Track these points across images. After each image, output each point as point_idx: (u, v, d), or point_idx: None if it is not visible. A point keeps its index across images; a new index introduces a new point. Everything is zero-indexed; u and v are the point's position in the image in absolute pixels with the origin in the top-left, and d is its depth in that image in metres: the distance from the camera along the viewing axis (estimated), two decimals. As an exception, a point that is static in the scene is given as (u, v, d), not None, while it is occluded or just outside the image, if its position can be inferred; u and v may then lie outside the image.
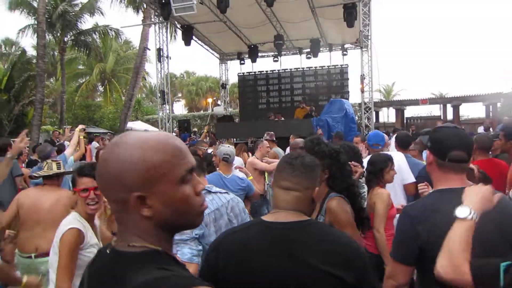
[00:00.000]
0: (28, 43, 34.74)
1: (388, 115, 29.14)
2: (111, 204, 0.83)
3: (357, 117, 13.08)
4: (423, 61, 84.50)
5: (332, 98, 12.84)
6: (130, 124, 19.96)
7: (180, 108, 45.12)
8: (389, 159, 2.97)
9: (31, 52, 22.12)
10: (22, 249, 3.04)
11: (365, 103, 11.27)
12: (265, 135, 6.35)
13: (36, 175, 3.30)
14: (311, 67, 16.08)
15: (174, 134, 13.10)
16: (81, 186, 2.15)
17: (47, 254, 2.73)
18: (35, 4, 18.50)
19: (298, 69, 16.23)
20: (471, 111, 32.35)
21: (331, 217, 1.98)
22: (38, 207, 3.11)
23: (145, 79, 32.33)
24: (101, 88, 31.24)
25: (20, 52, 21.35)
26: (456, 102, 18.61)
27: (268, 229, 1.32)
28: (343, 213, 1.96)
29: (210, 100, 32.43)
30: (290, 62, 17.13)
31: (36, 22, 17.17)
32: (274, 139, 6.59)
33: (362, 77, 11.28)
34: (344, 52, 16.15)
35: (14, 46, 29.61)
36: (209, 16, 12.73)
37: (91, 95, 30.70)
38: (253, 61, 16.28)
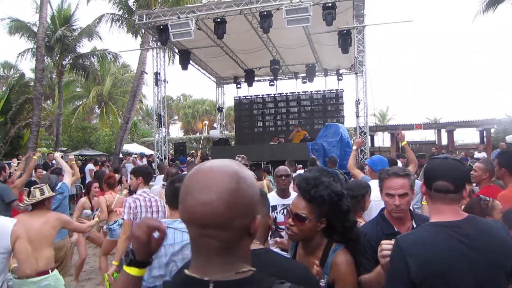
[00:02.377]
0: (27, 66, 35.17)
1: (383, 140, 29.40)
2: (229, 234, 0.82)
3: (352, 141, 13.16)
4: (417, 86, 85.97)
5: (328, 123, 12.96)
6: (126, 147, 19.93)
7: (176, 131, 45.29)
8: (368, 186, 2.92)
9: (30, 75, 22.38)
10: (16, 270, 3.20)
11: (360, 127, 11.35)
12: (236, 157, 6.24)
13: (22, 205, 3.68)
14: (307, 92, 16.31)
15: (169, 156, 13.09)
16: None
17: (39, 274, 3.17)
18: (34, 28, 18.81)
19: (294, 93, 16.44)
20: (465, 136, 32.65)
21: (336, 275, 1.72)
22: (28, 229, 3.22)
23: (142, 102, 32.54)
24: (97, 111, 31.35)
25: (18, 75, 21.51)
26: (451, 127, 18.85)
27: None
28: (351, 274, 1.71)
29: (206, 122, 32.61)
30: (286, 86, 17.42)
31: (35, 46, 17.40)
32: (246, 163, 6.56)
33: (357, 102, 11.41)
34: (339, 77, 16.41)
35: (12, 69, 29.87)
36: (206, 41, 12.97)
37: (87, 118, 30.77)
38: (250, 85, 16.48)
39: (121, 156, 16.49)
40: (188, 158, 13.50)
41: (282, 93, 16.60)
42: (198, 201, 0.81)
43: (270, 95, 16.62)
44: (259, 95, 16.67)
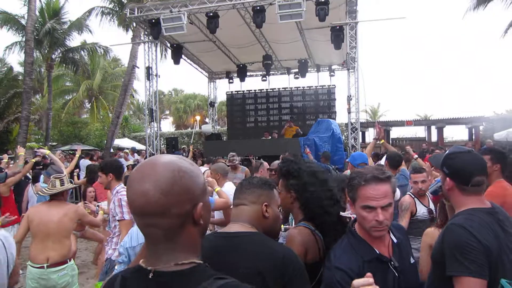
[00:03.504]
0: (15, 60, 34.56)
1: (374, 136, 29.62)
2: (169, 221, 0.84)
3: (343, 137, 13.25)
4: (408, 83, 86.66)
5: (320, 118, 13.02)
6: (117, 141, 19.77)
7: (167, 126, 45.02)
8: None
9: (18, 68, 21.99)
10: (34, 260, 3.34)
11: (351, 123, 11.44)
12: (229, 155, 6.36)
13: (42, 193, 3.61)
14: (299, 87, 16.35)
15: (161, 151, 13.02)
16: None
17: (58, 264, 3.34)
18: (23, 21, 18.45)
19: (286, 89, 16.47)
20: (455, 133, 33.06)
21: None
22: (47, 221, 3.38)
23: (133, 96, 32.25)
24: (88, 105, 31.00)
25: (6, 69, 21.14)
26: (441, 124, 19.08)
27: (216, 238, 1.45)
28: (295, 246, 1.68)
29: (198, 117, 32.48)
30: (278, 81, 17.43)
31: (23, 39, 17.10)
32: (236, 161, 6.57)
33: (349, 98, 11.49)
34: (332, 73, 16.48)
35: (0, 63, 29.34)
36: (199, 35, 12.90)
37: (77, 112, 30.41)
38: (242, 80, 16.45)
39: (112, 151, 16.36)
40: (182, 154, 13.46)
41: (275, 89, 16.62)
42: (137, 192, 0.84)
43: (262, 90, 16.63)
44: (251, 90, 16.66)
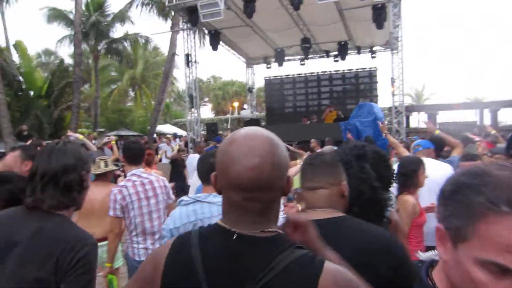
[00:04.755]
0: (65, 52, 36.54)
1: (418, 120, 28.39)
2: (272, 194, 0.89)
3: (386, 122, 12.82)
4: (455, 63, 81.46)
5: (361, 102, 12.66)
6: (159, 127, 20.47)
7: (207, 112, 45.76)
8: (421, 161, 2.83)
9: (68, 60, 23.24)
10: None
11: (395, 107, 10.99)
12: None
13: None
14: (339, 71, 15.92)
15: (202, 136, 13.34)
16: None
17: (101, 239, 3.28)
18: (71, 16, 19.45)
19: (325, 73, 16.10)
20: (510, 116, 30.78)
21: None
22: (92, 200, 3.44)
23: (174, 84, 33.05)
24: (131, 93, 32.24)
25: (58, 61, 22.44)
26: (495, 107, 17.86)
27: None
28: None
29: (236, 104, 32.76)
30: (317, 65, 17.03)
31: (72, 33, 18.02)
32: None
33: (393, 80, 11.02)
34: (373, 55, 15.88)
35: (52, 56, 31.17)
36: (236, 21, 12.88)
37: (122, 100, 31.73)
38: (280, 65, 16.30)
39: (155, 136, 16.99)
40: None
41: (313, 73, 16.30)
42: (245, 166, 0.85)
43: (300, 75, 16.38)
44: (289, 75, 16.47)
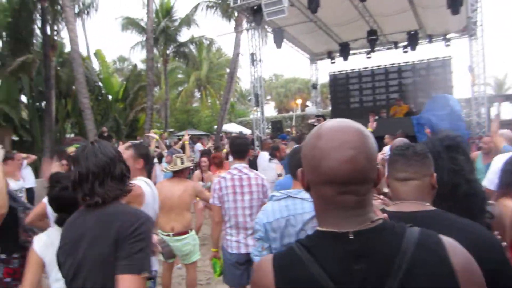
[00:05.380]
0: (137, 58, 39.43)
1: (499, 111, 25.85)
2: (367, 186, 0.87)
3: (463, 114, 11.87)
4: (544, 46, 72.54)
5: (434, 94, 11.85)
6: (225, 126, 21.09)
7: (270, 110, 46.13)
8: None
9: (140, 65, 24.96)
10: (163, 229, 3.83)
11: (475, 98, 10.12)
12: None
13: (166, 170, 4.04)
14: (408, 62, 15.05)
15: (268, 134, 13.49)
16: None
17: (181, 233, 3.78)
18: (142, 23, 20.85)
19: (394, 65, 15.32)
20: None
21: None
22: (171, 196, 3.75)
23: (237, 83, 33.84)
24: (197, 94, 33.62)
25: (131, 66, 24.20)
26: None
27: (392, 219, 1.30)
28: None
29: (299, 101, 32.58)
30: (385, 57, 16.31)
31: (144, 39, 19.30)
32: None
33: (471, 69, 10.16)
34: (447, 43, 14.78)
35: (126, 62, 33.71)
36: (299, 17, 12.80)
37: (189, 101, 33.23)
38: (345, 59, 15.85)
39: (221, 135, 17.55)
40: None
41: (381, 66, 15.61)
42: (340, 160, 0.83)
43: (367, 68, 15.77)
44: (355, 69, 15.95)
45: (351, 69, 16.02)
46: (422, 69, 14.63)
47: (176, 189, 3.80)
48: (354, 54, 16.38)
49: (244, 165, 3.23)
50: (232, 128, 21.88)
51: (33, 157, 7.01)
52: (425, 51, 15.33)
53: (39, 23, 15.17)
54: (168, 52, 22.16)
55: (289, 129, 16.42)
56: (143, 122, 17.93)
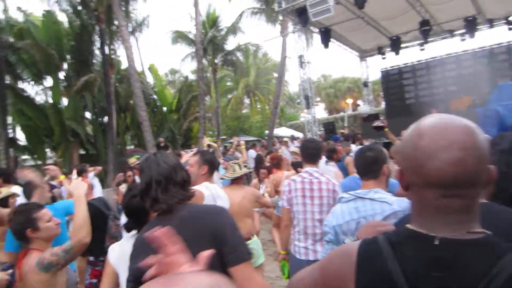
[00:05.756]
0: (187, 69, 41.15)
1: None
2: (476, 190, 0.81)
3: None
4: None
5: (500, 83, 10.94)
6: (276, 131, 21.15)
7: (320, 112, 45.56)
8: None
9: (190, 76, 25.93)
10: None
11: (548, 83, 9.21)
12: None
13: (224, 177, 4.06)
14: (467, 50, 14.08)
15: (321, 136, 13.30)
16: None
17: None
18: (190, 35, 21.69)
19: (451, 55, 14.41)
20: None
21: None
22: (231, 204, 3.67)
23: (285, 87, 33.86)
24: (247, 100, 34.13)
25: (182, 78, 25.22)
26: None
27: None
28: None
29: (349, 100, 31.80)
30: (440, 48, 15.45)
31: (193, 51, 20.03)
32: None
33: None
34: (510, 26, 13.62)
35: (176, 74, 35.21)
36: (346, 15, 12.53)
37: (239, 108, 33.81)
38: (396, 53, 15.26)
39: (273, 139, 17.63)
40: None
41: (436, 57, 14.76)
42: (447, 162, 0.77)
43: (421, 61, 14.99)
44: (408, 63, 15.25)
45: (403, 64, 15.34)
46: (484, 56, 13.60)
47: (235, 196, 3.76)
48: (405, 47, 15.71)
49: (315, 169, 3.13)
50: (283, 132, 21.86)
51: (99, 168, 7.51)
52: (485, 38, 14.21)
53: (98, 44, 16.38)
54: (216, 61, 22.77)
55: (342, 130, 16.02)
56: (196, 131, 18.57)
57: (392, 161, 2.60)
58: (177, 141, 18.57)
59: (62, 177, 4.13)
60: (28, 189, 3.32)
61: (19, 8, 16.39)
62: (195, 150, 9.41)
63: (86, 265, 3.47)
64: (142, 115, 13.00)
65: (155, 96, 20.41)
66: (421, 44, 15.03)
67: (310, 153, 3.20)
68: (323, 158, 6.02)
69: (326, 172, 4.82)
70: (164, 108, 20.54)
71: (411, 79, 15.04)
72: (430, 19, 13.09)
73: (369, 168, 2.10)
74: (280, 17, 18.22)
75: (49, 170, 4.23)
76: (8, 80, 14.37)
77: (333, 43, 14.50)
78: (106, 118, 16.60)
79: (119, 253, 2.03)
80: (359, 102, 32.03)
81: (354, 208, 2.06)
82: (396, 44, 14.87)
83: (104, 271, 2.06)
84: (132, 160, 6.50)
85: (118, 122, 17.04)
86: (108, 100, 15.31)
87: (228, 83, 33.53)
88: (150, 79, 21.60)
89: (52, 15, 15.96)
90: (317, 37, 14.11)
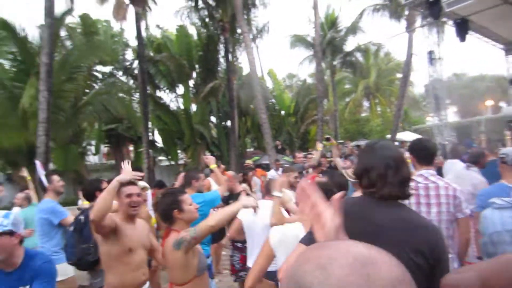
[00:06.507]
0: (304, 73, 41.61)
1: None
2: None
3: None
4: None
5: None
6: (398, 135, 19.68)
7: (449, 115, 40.98)
8: None
9: (308, 80, 26.02)
10: None
11: None
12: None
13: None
14: None
15: (452, 143, 11.77)
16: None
17: None
18: (308, 38, 21.75)
19: None
20: None
21: None
22: None
23: (410, 88, 31.36)
24: (366, 103, 32.65)
25: (300, 81, 25.50)
26: None
27: None
28: None
29: (489, 102, 27.62)
30: None
31: (311, 54, 20.03)
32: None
33: None
34: None
35: (294, 78, 35.83)
36: (489, 1, 10.82)
37: (358, 111, 32.55)
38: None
39: (397, 143, 16.41)
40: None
41: None
42: None
43: None
44: None
45: None
46: None
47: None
48: None
49: (431, 172, 2.71)
50: (407, 136, 20.12)
51: (222, 166, 8.10)
52: None
53: (222, 52, 17.74)
54: (334, 63, 22.32)
55: (480, 136, 13.95)
56: (313, 134, 18.52)
57: None
58: (294, 144, 18.82)
59: (213, 166, 4.44)
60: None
61: (157, 26, 18.87)
62: (314, 153, 9.31)
63: (234, 251, 4.12)
64: (263, 118, 13.45)
65: (273, 100, 21.07)
66: None
67: (425, 153, 2.76)
68: (459, 163, 5.27)
69: (465, 177, 4.14)
70: (282, 112, 21.04)
71: None
72: None
73: None
74: (406, 12, 16.87)
75: (206, 158, 4.74)
76: (148, 89, 16.57)
77: (469, 36, 12.72)
78: (228, 122, 17.83)
79: (280, 237, 2.12)
80: (502, 103, 27.68)
81: (509, 217, 1.78)
82: (558, 31, 12.25)
83: (262, 249, 2.15)
84: (250, 162, 6.76)
85: (239, 125, 18.10)
86: (231, 105, 16.40)
87: (347, 86, 32.56)
88: (269, 83, 22.41)
89: (184, 29, 17.94)
90: (448, 32, 12.57)
